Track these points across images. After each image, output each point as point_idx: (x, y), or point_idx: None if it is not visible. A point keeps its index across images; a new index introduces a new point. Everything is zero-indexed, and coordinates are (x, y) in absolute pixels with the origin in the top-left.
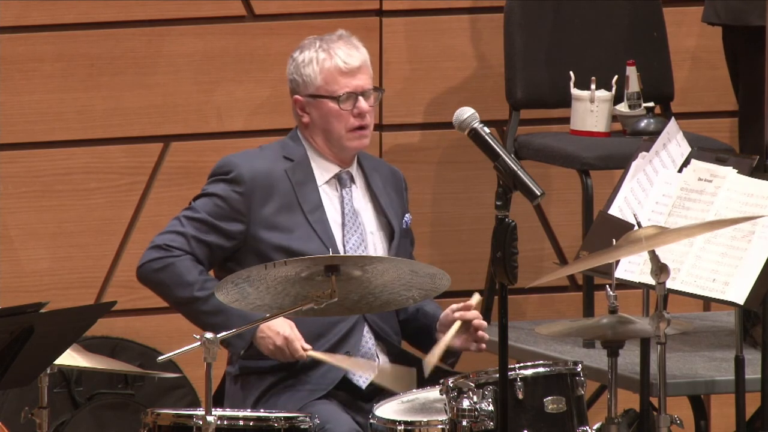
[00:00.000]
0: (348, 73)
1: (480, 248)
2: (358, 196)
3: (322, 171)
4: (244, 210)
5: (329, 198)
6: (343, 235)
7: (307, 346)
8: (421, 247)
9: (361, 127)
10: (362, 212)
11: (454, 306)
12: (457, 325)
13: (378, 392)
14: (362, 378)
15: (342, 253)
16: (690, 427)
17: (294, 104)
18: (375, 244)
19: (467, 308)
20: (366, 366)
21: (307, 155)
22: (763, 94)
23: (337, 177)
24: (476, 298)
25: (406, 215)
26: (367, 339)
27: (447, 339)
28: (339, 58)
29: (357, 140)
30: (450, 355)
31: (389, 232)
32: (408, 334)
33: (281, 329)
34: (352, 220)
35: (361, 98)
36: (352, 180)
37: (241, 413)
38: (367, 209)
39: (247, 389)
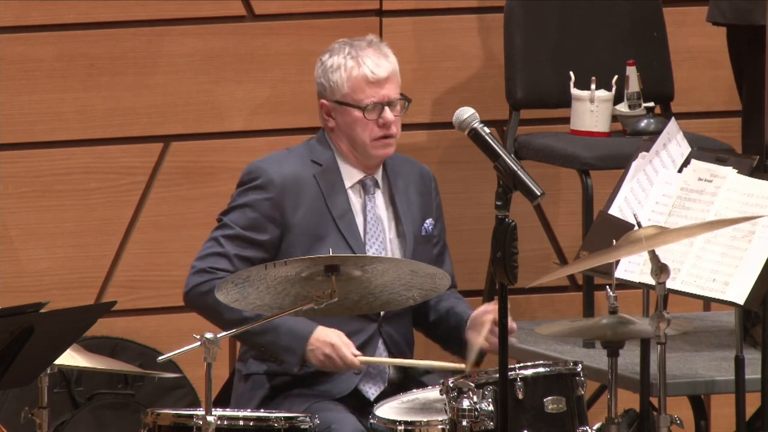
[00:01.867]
0: (375, 83)
1: (480, 248)
2: (381, 203)
3: (348, 176)
4: (277, 215)
5: (353, 204)
6: (365, 243)
7: (357, 353)
8: None
9: (386, 136)
10: (384, 219)
11: (486, 307)
12: (488, 324)
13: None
14: (372, 389)
15: None
16: (690, 427)
17: (320, 108)
18: (394, 252)
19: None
20: (422, 364)
21: (335, 159)
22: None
23: (362, 183)
24: None
25: (427, 221)
26: (381, 351)
27: (480, 340)
28: (367, 67)
29: (381, 149)
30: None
31: (406, 239)
32: (437, 334)
33: (328, 338)
34: (374, 227)
35: (387, 108)
36: (377, 185)
37: (241, 413)
38: (388, 215)
39: (255, 388)
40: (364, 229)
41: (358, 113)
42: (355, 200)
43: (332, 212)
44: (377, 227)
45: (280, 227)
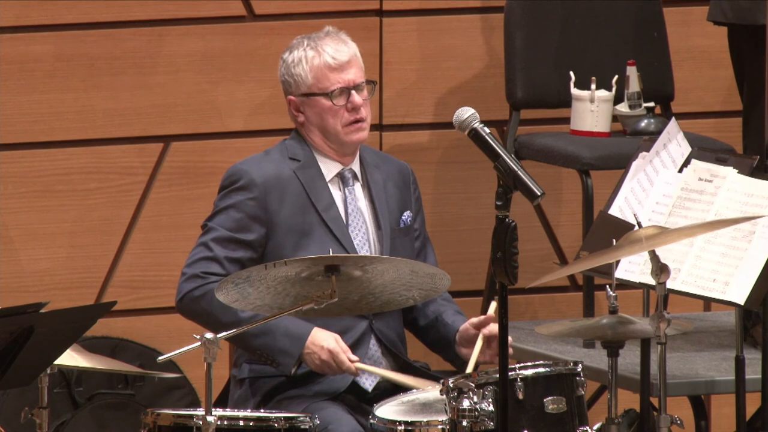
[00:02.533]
0: (338, 68)
1: (480, 248)
2: (360, 195)
3: (327, 169)
4: (262, 214)
5: (335, 197)
6: (348, 234)
7: (354, 358)
8: None
9: (357, 121)
10: (364, 211)
11: (474, 320)
12: (480, 341)
13: (383, 396)
14: (368, 381)
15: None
16: (690, 427)
17: (288, 105)
18: (375, 244)
19: (487, 321)
20: (418, 381)
21: (312, 154)
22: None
23: (340, 175)
24: (494, 307)
25: (405, 213)
26: (374, 347)
27: (475, 357)
28: (327, 54)
29: (355, 133)
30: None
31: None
32: (428, 341)
33: (325, 342)
34: (356, 219)
35: (353, 92)
36: (355, 177)
37: (241, 413)
38: (367, 208)
39: (251, 392)
40: (346, 222)
41: (326, 101)
42: (336, 193)
43: (316, 206)
44: (358, 219)
45: (266, 226)
